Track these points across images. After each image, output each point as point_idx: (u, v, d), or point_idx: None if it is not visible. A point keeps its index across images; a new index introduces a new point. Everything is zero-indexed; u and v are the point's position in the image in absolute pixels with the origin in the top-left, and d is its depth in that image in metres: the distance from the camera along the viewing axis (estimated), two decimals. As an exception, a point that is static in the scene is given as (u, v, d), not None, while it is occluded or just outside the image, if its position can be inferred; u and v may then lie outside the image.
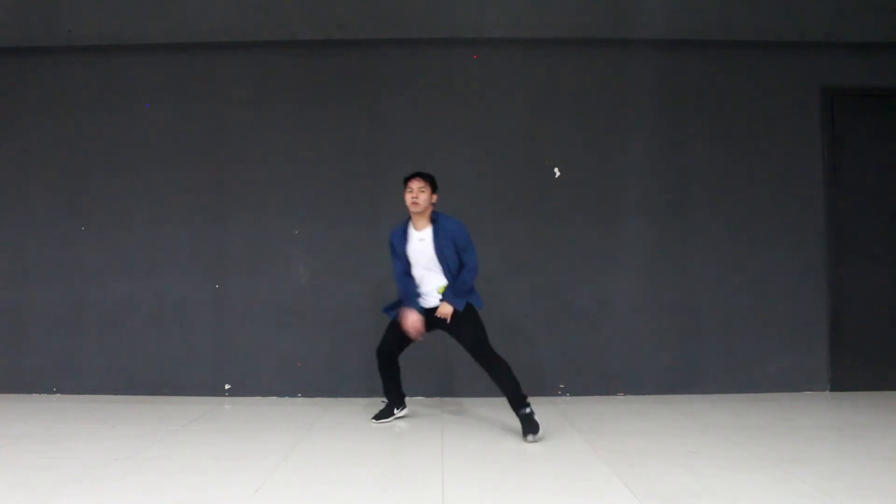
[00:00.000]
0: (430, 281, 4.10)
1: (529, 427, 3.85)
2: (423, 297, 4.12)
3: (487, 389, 4.95)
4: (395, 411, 4.37)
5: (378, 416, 4.34)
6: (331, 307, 5.07)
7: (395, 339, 4.19)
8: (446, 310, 3.98)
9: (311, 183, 5.11)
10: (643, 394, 5.01)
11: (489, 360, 3.97)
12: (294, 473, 3.28)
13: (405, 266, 4.12)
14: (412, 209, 4.06)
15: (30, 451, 3.64)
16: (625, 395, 5.03)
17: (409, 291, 4.10)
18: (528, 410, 3.90)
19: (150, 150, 5.17)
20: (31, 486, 3.07)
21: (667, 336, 5.08)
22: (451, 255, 4.01)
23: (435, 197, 4.10)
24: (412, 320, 4.05)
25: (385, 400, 4.40)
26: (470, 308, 4.03)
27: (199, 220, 5.13)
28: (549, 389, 5.02)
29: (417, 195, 4.03)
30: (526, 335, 5.07)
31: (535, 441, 3.81)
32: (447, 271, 4.03)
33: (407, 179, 4.10)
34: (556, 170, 5.13)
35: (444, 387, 5.02)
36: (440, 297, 4.05)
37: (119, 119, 5.18)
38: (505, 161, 5.12)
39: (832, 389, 5.06)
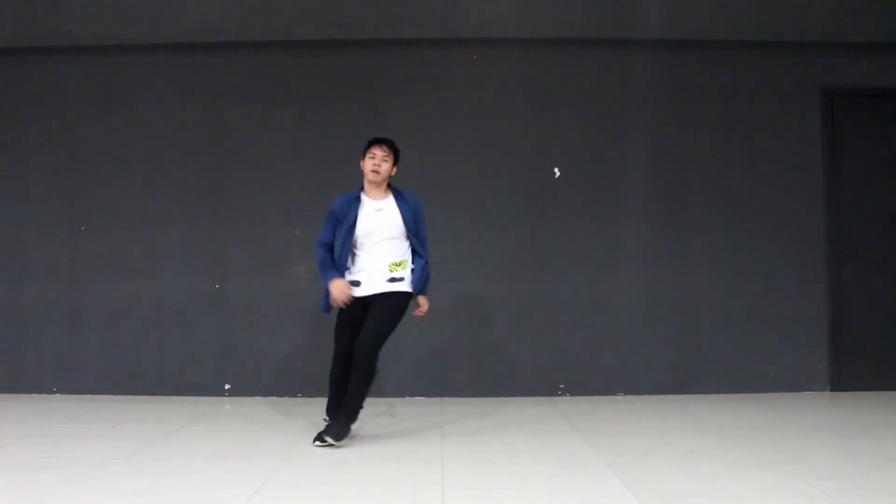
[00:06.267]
0: (379, 258, 3.72)
1: (332, 431, 3.64)
2: (357, 278, 3.72)
3: (487, 389, 4.98)
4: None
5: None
6: (331, 307, 5.06)
7: (350, 335, 3.71)
8: (426, 306, 3.81)
9: (312, 183, 5.10)
10: (643, 394, 5.00)
11: (370, 361, 3.63)
12: (294, 473, 3.28)
13: (342, 238, 3.70)
14: (372, 178, 3.73)
15: (30, 451, 3.64)
16: (625, 395, 5.03)
17: (329, 263, 3.71)
18: (351, 424, 3.71)
19: (150, 150, 5.16)
20: (31, 486, 3.07)
21: (667, 336, 5.08)
22: (412, 228, 3.77)
23: (395, 170, 3.83)
24: (340, 287, 3.64)
25: (326, 418, 3.92)
26: (406, 298, 3.75)
27: (199, 220, 5.13)
28: (549, 389, 5.02)
29: (380, 163, 3.72)
30: (526, 335, 5.07)
31: (321, 445, 3.63)
32: (412, 244, 3.77)
33: (370, 144, 3.76)
34: (556, 170, 5.13)
35: (444, 387, 5.02)
36: (392, 275, 3.71)
37: (119, 119, 5.18)
38: (505, 161, 5.12)
39: (832, 389, 5.05)
